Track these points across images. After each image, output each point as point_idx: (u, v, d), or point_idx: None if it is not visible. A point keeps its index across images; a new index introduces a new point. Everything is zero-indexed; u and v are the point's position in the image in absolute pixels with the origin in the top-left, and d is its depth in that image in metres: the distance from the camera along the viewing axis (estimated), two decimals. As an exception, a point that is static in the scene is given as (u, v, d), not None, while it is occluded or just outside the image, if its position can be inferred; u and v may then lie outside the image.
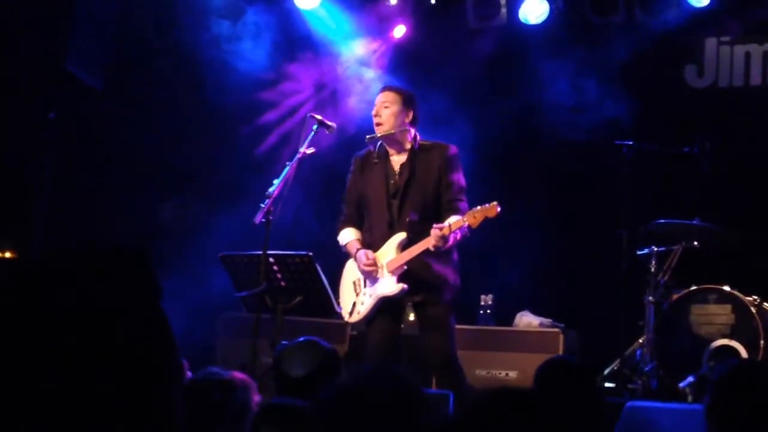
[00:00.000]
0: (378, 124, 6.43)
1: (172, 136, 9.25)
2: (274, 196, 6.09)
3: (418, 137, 6.48)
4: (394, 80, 9.16)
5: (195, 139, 9.50)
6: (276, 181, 6.16)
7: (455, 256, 6.39)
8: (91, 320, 1.32)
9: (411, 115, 6.45)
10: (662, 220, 7.61)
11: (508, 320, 8.14)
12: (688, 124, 8.46)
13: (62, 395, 1.29)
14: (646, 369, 7.31)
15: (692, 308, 7.43)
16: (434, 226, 6.07)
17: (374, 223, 6.43)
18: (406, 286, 6.20)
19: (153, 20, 9.06)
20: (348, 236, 6.50)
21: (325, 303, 6.19)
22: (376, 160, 6.47)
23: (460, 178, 6.43)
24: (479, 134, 8.82)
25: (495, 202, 6.02)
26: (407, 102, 6.46)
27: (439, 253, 6.16)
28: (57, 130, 8.42)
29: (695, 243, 7.61)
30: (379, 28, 9.54)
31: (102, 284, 1.36)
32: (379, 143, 6.52)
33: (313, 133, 6.38)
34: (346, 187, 6.62)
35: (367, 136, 6.52)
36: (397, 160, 6.46)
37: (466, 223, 6.05)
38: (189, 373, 3.81)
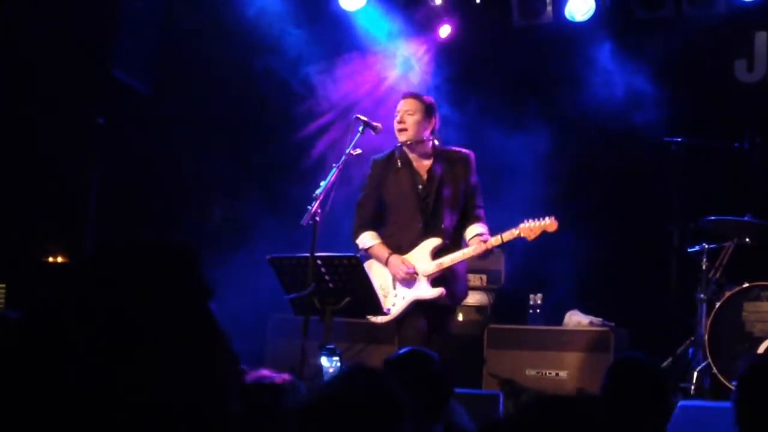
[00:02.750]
0: (402, 131, 6.52)
1: (219, 139, 9.30)
2: (320, 198, 6.10)
3: (437, 144, 6.61)
4: (440, 79, 9.17)
5: (242, 141, 9.55)
6: (323, 183, 6.17)
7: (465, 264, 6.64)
8: (134, 319, 1.32)
9: (433, 123, 6.58)
10: (713, 217, 7.53)
11: (558, 319, 8.09)
12: (738, 119, 8.35)
13: (103, 395, 1.29)
14: (699, 368, 7.23)
15: (745, 305, 7.35)
16: (480, 237, 6.35)
17: (403, 227, 6.52)
18: (444, 290, 6.36)
19: (200, 25, 9.10)
20: (370, 240, 6.57)
21: (373, 304, 6.18)
22: (399, 165, 6.54)
23: (478, 183, 6.64)
24: (526, 133, 8.78)
25: (553, 218, 6.33)
26: (429, 111, 6.58)
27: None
28: (106, 135, 8.50)
29: (747, 239, 7.53)
30: (424, 28, 9.53)
31: (146, 282, 1.36)
32: (400, 148, 6.59)
33: (359, 134, 6.40)
34: (364, 189, 6.66)
35: (397, 146, 6.59)
36: (422, 166, 6.58)
37: (522, 236, 6.32)
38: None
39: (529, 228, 6.31)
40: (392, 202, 6.55)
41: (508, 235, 6.32)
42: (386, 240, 6.55)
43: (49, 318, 1.33)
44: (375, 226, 6.61)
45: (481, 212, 6.55)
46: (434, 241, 6.41)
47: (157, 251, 1.39)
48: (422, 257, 6.41)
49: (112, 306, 1.32)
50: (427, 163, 6.56)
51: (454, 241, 6.45)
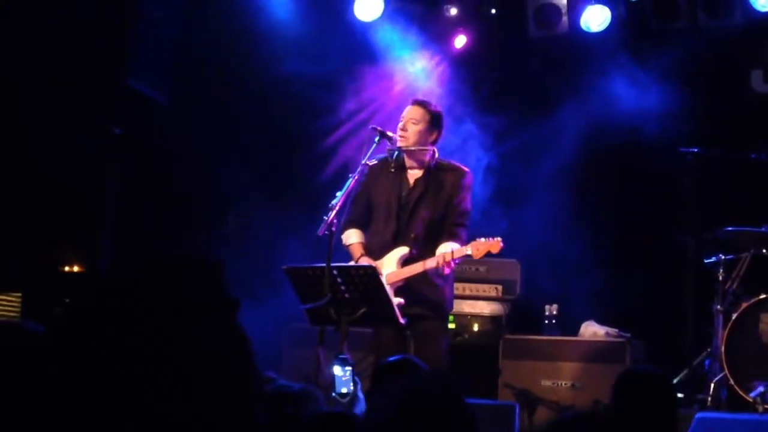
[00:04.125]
0: (402, 137, 6.48)
1: (235, 149, 9.31)
2: (336, 208, 6.11)
3: (437, 155, 6.53)
4: (456, 90, 9.16)
5: (259, 151, 9.56)
6: (339, 194, 6.17)
7: (451, 274, 6.49)
8: (165, 331, 1.32)
9: (435, 135, 6.54)
10: (729, 228, 7.51)
11: (574, 330, 8.07)
12: (755, 130, 8.34)
13: (134, 405, 1.29)
14: (715, 379, 7.21)
15: (762, 316, 7.33)
16: (440, 252, 6.23)
17: (379, 230, 6.51)
18: (402, 300, 6.25)
19: (217, 35, 9.12)
20: (353, 238, 6.56)
21: (388, 314, 6.18)
22: (392, 170, 6.53)
23: (467, 203, 6.54)
24: (542, 143, 8.78)
25: (499, 238, 6.25)
26: (435, 122, 6.53)
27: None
28: (123, 145, 8.52)
29: (764, 250, 7.50)
30: (439, 38, 9.53)
31: (174, 294, 1.36)
32: (396, 153, 6.55)
33: (375, 144, 6.40)
34: (356, 188, 6.52)
35: (387, 149, 6.53)
36: (413, 174, 6.54)
37: (468, 253, 6.23)
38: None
39: (476, 247, 6.24)
40: (377, 204, 6.55)
41: (458, 252, 6.22)
42: (367, 241, 6.55)
43: (78, 329, 1.33)
44: (362, 225, 6.59)
45: (459, 230, 6.41)
46: (402, 250, 6.37)
47: (185, 264, 1.40)
48: (390, 265, 6.38)
49: (143, 318, 1.32)
50: (419, 171, 6.53)
51: (424, 253, 6.33)
